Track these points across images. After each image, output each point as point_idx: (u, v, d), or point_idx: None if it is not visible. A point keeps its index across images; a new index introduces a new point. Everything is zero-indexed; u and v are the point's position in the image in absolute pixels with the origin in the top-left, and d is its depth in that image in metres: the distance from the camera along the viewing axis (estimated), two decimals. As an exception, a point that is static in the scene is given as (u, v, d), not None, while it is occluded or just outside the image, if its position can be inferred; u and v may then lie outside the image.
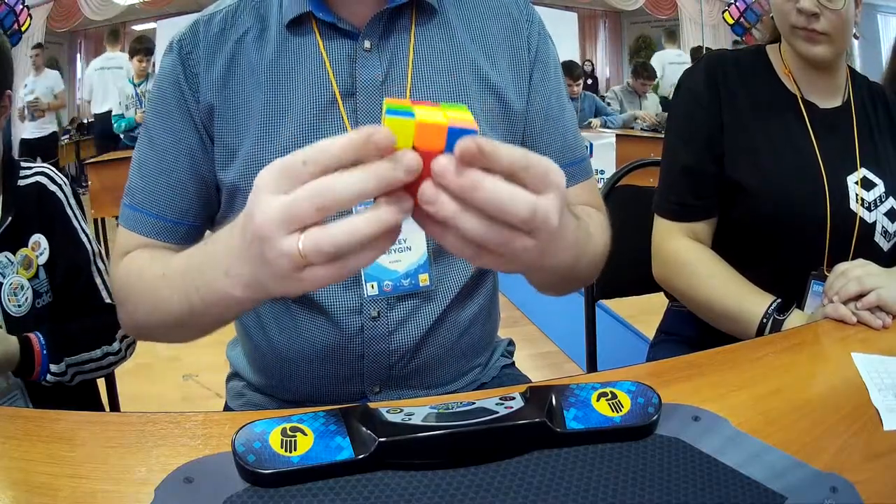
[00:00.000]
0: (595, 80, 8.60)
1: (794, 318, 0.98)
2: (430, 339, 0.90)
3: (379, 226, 0.48)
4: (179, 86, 0.83)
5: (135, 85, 5.07)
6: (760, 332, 1.00)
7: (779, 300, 1.01)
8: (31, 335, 1.01)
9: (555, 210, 0.50)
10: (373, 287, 0.85)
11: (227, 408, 1.01)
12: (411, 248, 0.85)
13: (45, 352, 1.01)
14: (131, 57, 5.17)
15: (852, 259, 1.03)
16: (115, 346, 1.11)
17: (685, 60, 6.70)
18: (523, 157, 0.49)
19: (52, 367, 1.02)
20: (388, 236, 0.50)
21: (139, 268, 0.80)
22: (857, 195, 1.08)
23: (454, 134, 0.47)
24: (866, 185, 1.09)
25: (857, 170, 1.09)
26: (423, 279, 0.86)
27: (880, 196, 1.10)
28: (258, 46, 0.84)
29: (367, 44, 0.83)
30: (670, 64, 6.75)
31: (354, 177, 0.47)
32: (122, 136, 5.02)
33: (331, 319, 0.86)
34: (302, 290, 0.52)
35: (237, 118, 0.83)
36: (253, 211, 0.51)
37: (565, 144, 0.93)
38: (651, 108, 5.75)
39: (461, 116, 0.49)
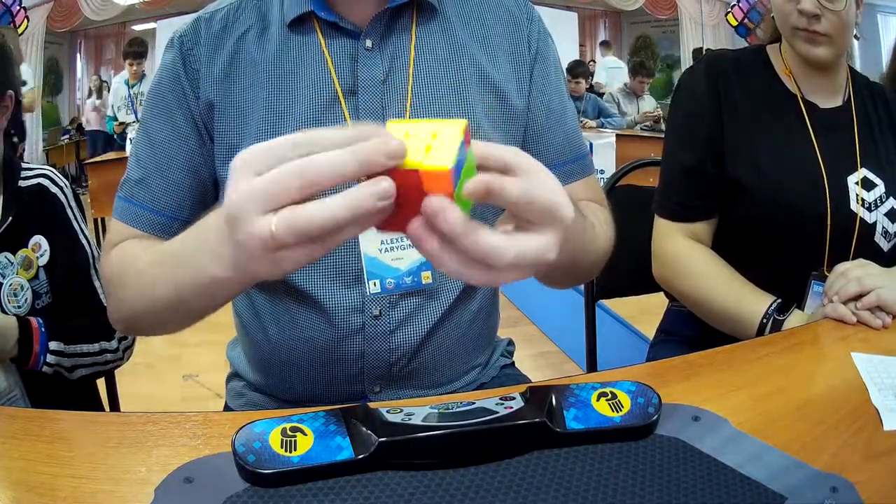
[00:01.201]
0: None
1: (794, 319, 0.98)
2: (431, 338, 0.90)
3: (356, 211, 0.46)
4: (180, 82, 0.84)
5: (129, 87, 5.09)
6: (760, 332, 1.00)
7: (779, 300, 1.01)
8: (30, 318, 1.01)
9: (552, 247, 0.50)
10: (375, 285, 0.85)
11: (227, 408, 1.01)
12: (413, 246, 0.85)
13: (42, 330, 1.01)
14: (124, 60, 5.17)
15: (852, 259, 1.03)
16: (114, 343, 1.11)
17: (621, 66, 7.71)
18: (527, 193, 0.49)
19: (52, 345, 1.02)
20: (366, 220, 0.48)
21: (131, 256, 0.80)
22: (857, 195, 1.08)
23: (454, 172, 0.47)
24: (867, 185, 1.09)
25: (857, 170, 1.09)
26: (426, 277, 0.86)
27: (881, 196, 1.10)
28: (259, 44, 0.84)
29: (368, 43, 0.84)
30: (609, 69, 7.83)
31: (336, 155, 0.46)
32: (115, 136, 5.05)
33: (331, 318, 0.86)
34: (280, 272, 0.51)
35: (238, 116, 0.83)
36: (228, 191, 0.49)
37: (567, 141, 0.93)
38: (649, 109, 5.76)
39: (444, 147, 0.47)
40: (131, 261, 0.79)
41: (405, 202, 0.48)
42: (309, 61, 0.83)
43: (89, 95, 7.10)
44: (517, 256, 0.49)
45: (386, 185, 0.47)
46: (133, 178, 0.86)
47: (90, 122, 6.87)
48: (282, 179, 0.47)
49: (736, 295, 1.05)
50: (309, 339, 0.88)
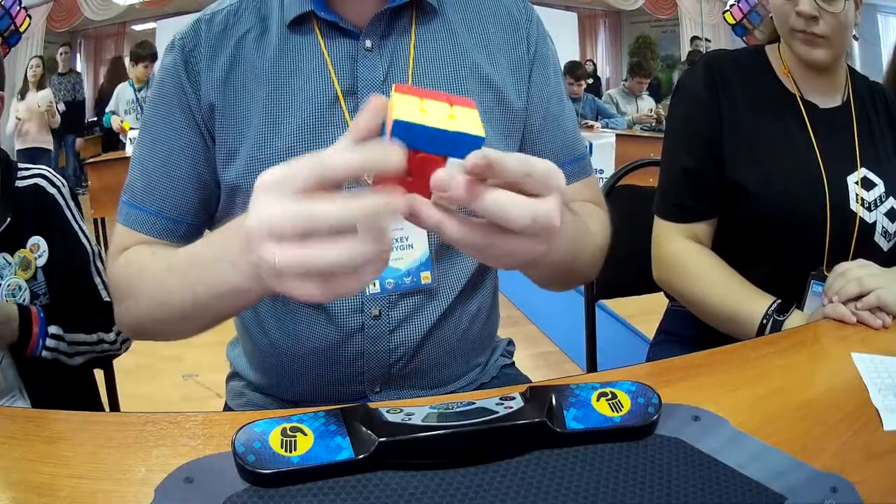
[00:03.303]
0: (598, 79, 8.59)
1: (794, 319, 0.98)
2: (431, 338, 0.90)
3: (356, 258, 0.48)
4: (181, 84, 0.84)
5: (135, 89, 5.02)
6: (760, 332, 1.00)
7: (779, 301, 1.01)
8: (30, 305, 1.02)
9: (556, 212, 0.51)
10: (374, 285, 0.85)
11: (227, 408, 1.01)
12: (413, 246, 0.85)
13: (42, 315, 1.01)
14: (136, 63, 5.02)
15: (852, 259, 1.03)
16: (111, 336, 1.11)
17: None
18: (525, 163, 0.50)
19: (51, 329, 1.02)
20: (371, 267, 0.50)
21: (140, 262, 0.80)
22: (857, 195, 1.08)
23: (458, 141, 0.48)
24: (866, 184, 1.09)
25: (857, 170, 1.09)
26: (425, 277, 0.86)
27: (880, 196, 1.10)
28: (259, 45, 0.84)
29: (367, 43, 0.84)
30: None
31: (340, 210, 0.47)
32: (119, 136, 4.97)
33: (331, 318, 0.86)
34: (294, 296, 0.52)
35: (238, 117, 0.83)
36: (250, 210, 0.51)
37: (565, 142, 0.93)
38: (647, 109, 5.77)
39: (468, 120, 0.49)
40: (140, 268, 0.79)
41: (422, 171, 0.49)
42: (308, 62, 0.83)
43: (23, 93, 5.58)
44: (532, 213, 0.49)
45: (387, 243, 0.49)
46: (136, 182, 0.86)
47: (27, 131, 5.32)
48: (287, 222, 0.48)
49: (735, 296, 1.05)
50: (309, 339, 0.88)
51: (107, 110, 5.14)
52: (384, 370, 0.89)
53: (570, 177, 0.93)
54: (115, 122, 4.88)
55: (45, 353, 1.02)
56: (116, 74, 6.06)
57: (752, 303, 1.02)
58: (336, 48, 0.84)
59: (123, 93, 5.07)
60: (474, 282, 0.93)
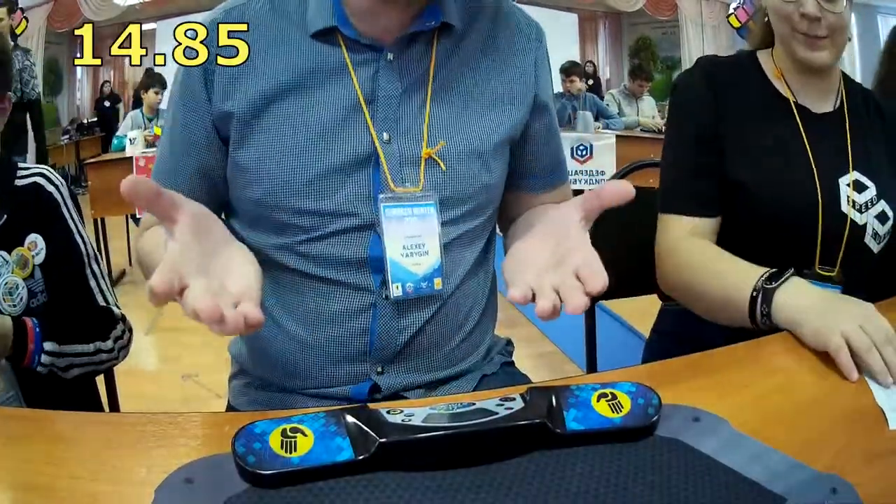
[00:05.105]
0: (598, 80, 8.60)
1: (791, 287, 0.90)
2: (437, 318, 0.93)
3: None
4: (195, 79, 0.87)
5: (146, 119, 4.71)
6: (752, 307, 0.93)
7: (772, 270, 0.94)
8: (24, 318, 1.01)
9: None
10: (398, 288, 0.88)
11: (230, 407, 1.01)
12: (429, 252, 0.89)
13: (38, 330, 1.01)
14: (146, 90, 4.79)
15: (842, 260, 1.03)
16: (109, 343, 1.10)
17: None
18: None
19: (46, 346, 1.01)
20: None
21: (144, 246, 0.92)
22: (848, 197, 1.08)
23: None
24: (858, 187, 1.09)
25: (849, 172, 1.09)
26: (437, 283, 0.89)
27: (871, 199, 1.09)
28: (279, 46, 0.86)
29: (389, 56, 0.87)
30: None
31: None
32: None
33: (343, 297, 0.89)
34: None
35: (254, 116, 0.85)
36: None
37: (557, 152, 1.03)
38: (647, 109, 5.81)
39: None
40: (142, 252, 0.92)
41: None
42: (331, 68, 0.86)
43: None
44: None
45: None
46: (158, 162, 0.94)
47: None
48: None
49: (729, 277, 0.99)
50: (319, 316, 0.90)
51: (119, 134, 4.90)
52: (391, 350, 0.91)
53: (556, 182, 1.03)
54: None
55: (40, 368, 1.02)
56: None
57: (743, 280, 0.95)
58: (359, 58, 0.87)
59: (137, 121, 4.87)
60: (475, 267, 0.97)
